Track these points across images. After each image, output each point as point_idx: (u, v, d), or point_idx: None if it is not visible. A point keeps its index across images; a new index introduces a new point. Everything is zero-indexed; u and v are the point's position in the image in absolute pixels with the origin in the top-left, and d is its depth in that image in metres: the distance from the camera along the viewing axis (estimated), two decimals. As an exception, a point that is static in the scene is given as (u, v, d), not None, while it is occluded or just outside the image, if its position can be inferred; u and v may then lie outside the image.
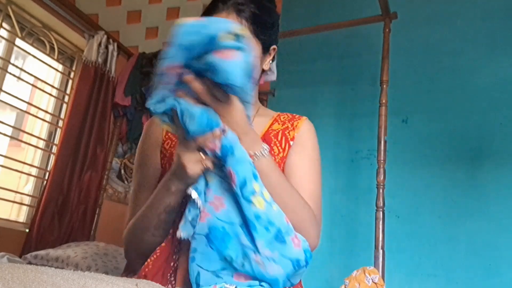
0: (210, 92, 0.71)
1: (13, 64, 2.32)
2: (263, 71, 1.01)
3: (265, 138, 0.95)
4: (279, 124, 0.99)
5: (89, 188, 2.51)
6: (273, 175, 0.79)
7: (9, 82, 2.31)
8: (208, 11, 0.93)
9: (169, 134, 0.99)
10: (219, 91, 0.70)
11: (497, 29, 2.40)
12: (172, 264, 0.81)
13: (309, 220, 0.83)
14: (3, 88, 2.24)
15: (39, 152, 2.53)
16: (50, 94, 2.58)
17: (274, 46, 0.99)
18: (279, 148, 0.94)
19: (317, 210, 0.89)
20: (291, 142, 0.95)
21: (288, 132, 0.96)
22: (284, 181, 0.81)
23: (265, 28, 0.94)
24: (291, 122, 0.99)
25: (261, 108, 1.05)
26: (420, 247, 2.22)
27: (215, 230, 0.69)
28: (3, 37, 2.26)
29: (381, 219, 1.80)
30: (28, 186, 2.52)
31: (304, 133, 0.98)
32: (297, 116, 1.01)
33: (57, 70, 2.62)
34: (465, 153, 2.28)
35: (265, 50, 0.97)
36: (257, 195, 0.69)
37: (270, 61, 1.01)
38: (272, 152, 0.92)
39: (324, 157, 0.99)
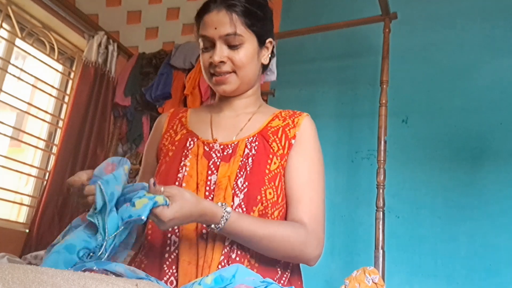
0: None
1: (13, 65, 2.32)
2: (262, 66, 1.01)
3: (262, 135, 0.94)
4: (279, 120, 0.98)
5: (89, 188, 2.51)
6: (241, 235, 0.80)
7: (9, 83, 2.31)
8: (200, 12, 0.96)
9: (171, 131, 1.02)
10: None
11: (497, 29, 2.40)
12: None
13: (299, 247, 0.84)
14: (3, 89, 2.24)
15: (39, 152, 2.53)
16: (50, 95, 2.58)
17: (270, 39, 1.00)
18: (279, 145, 0.93)
19: (317, 218, 0.89)
20: (292, 141, 0.94)
21: (289, 130, 0.95)
22: (256, 232, 0.81)
23: (256, 20, 0.94)
24: (292, 119, 0.98)
25: (263, 106, 1.05)
26: (420, 247, 2.22)
27: None
28: (3, 38, 2.26)
29: (381, 219, 1.80)
30: (28, 186, 2.52)
31: (306, 131, 0.96)
32: (298, 112, 1.01)
33: (57, 70, 2.62)
34: (465, 153, 2.28)
35: (261, 43, 0.97)
36: None
37: (269, 56, 1.01)
38: (271, 150, 0.92)
39: (324, 157, 0.98)
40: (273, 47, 1.02)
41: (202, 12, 0.95)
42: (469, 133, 2.29)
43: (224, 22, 0.90)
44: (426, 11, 2.61)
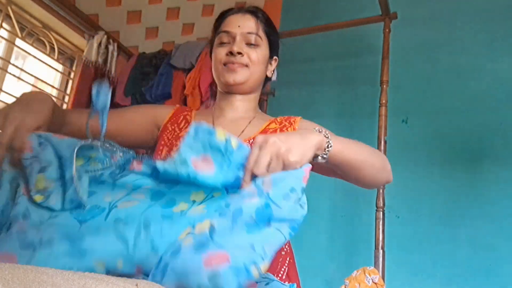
0: None
1: (13, 64, 2.32)
2: (266, 77, 1.10)
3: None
4: (276, 124, 1.04)
5: (89, 188, 2.51)
6: (346, 160, 0.83)
7: (9, 82, 2.31)
8: (224, 13, 1.05)
9: (174, 125, 1.05)
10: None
11: (497, 29, 2.40)
12: None
13: (385, 160, 0.97)
14: (3, 88, 2.24)
15: (39, 152, 2.53)
16: (50, 94, 2.58)
17: (276, 58, 1.10)
18: None
19: None
20: None
21: (286, 128, 1.01)
22: (356, 151, 0.88)
23: (272, 31, 1.06)
24: (288, 121, 1.05)
25: (260, 113, 1.12)
26: (420, 247, 2.22)
27: None
28: (3, 37, 2.26)
29: (381, 219, 1.80)
30: (28, 186, 2.52)
31: (305, 123, 1.05)
32: (293, 116, 1.08)
33: (57, 70, 2.62)
34: (465, 153, 2.28)
35: (271, 54, 1.07)
36: None
37: (272, 72, 1.11)
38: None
39: (324, 157, 1.00)
40: (276, 66, 1.11)
41: (226, 13, 1.04)
42: (469, 133, 2.29)
43: (248, 22, 1.01)
44: (426, 11, 2.61)
